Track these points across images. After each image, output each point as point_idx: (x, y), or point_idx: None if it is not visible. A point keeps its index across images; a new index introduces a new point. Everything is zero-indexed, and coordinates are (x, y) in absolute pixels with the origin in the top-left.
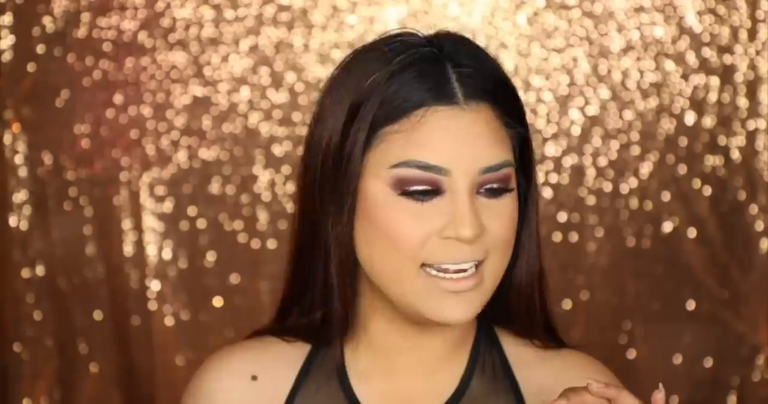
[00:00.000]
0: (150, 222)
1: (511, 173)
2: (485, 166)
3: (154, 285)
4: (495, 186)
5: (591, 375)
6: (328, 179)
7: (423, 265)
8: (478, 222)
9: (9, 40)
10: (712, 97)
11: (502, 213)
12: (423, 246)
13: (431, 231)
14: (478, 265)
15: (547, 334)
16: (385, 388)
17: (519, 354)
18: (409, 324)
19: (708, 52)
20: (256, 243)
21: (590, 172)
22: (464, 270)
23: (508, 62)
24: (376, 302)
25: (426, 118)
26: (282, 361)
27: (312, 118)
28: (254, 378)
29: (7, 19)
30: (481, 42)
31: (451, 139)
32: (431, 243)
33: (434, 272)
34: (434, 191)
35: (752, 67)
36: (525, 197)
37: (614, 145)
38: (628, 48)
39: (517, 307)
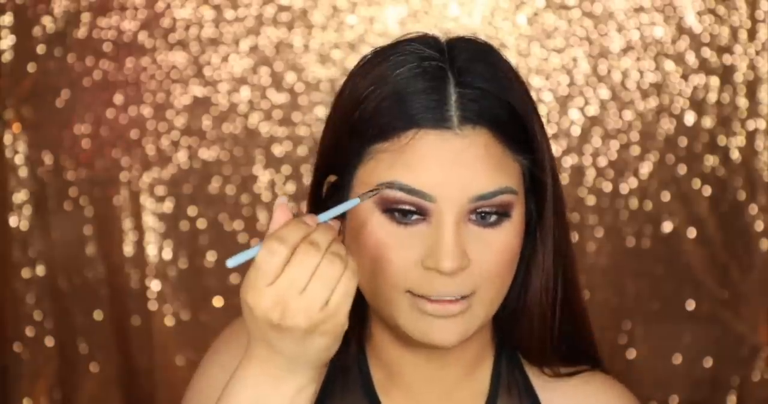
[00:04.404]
0: (150, 222)
1: (511, 201)
2: (476, 194)
3: (154, 285)
4: (487, 210)
5: (611, 398)
6: (318, 187)
7: (408, 291)
8: (462, 254)
9: (9, 40)
10: (712, 97)
11: (495, 244)
12: (406, 274)
13: (414, 259)
14: (467, 296)
15: (564, 362)
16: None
17: (542, 376)
18: (413, 342)
19: (708, 52)
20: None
21: (590, 172)
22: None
23: None
24: (378, 319)
25: (416, 140)
26: None
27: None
28: None
29: (7, 19)
30: None
31: (440, 164)
32: (415, 273)
33: (419, 296)
34: (418, 213)
35: (752, 67)
36: (536, 225)
37: (614, 145)
38: (628, 48)
39: (527, 334)
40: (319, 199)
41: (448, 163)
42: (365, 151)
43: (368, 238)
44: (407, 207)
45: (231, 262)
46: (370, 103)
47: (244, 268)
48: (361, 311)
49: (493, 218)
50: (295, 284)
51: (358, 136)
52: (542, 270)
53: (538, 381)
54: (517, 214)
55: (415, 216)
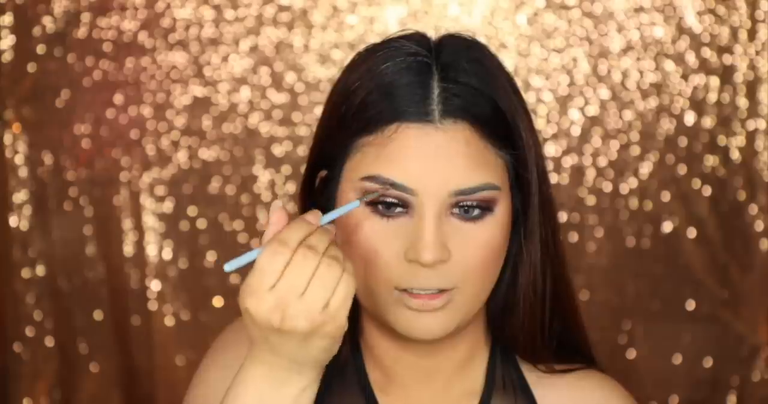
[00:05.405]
0: (150, 222)
1: (494, 196)
2: (456, 188)
3: (154, 285)
4: (469, 204)
5: (606, 395)
6: (310, 181)
7: (396, 288)
8: (442, 246)
9: (9, 40)
10: (712, 97)
11: (476, 239)
12: (392, 267)
13: (397, 251)
14: (448, 290)
15: (558, 358)
16: (402, 401)
17: (536, 372)
18: (403, 338)
19: (708, 52)
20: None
21: (590, 172)
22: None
23: (508, 62)
24: (369, 317)
25: (398, 134)
26: None
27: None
28: None
29: (8, 19)
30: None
31: (421, 158)
32: (399, 266)
33: (403, 290)
34: (401, 205)
35: (752, 67)
36: (521, 221)
37: (614, 145)
38: (628, 48)
39: (517, 330)
40: (312, 193)
41: (428, 157)
42: (352, 144)
43: (355, 231)
44: (390, 199)
45: (229, 266)
46: (356, 97)
47: (244, 268)
48: (354, 310)
49: (476, 212)
50: (294, 288)
51: (345, 129)
52: (529, 266)
53: (533, 377)
54: (501, 209)
55: (398, 209)
